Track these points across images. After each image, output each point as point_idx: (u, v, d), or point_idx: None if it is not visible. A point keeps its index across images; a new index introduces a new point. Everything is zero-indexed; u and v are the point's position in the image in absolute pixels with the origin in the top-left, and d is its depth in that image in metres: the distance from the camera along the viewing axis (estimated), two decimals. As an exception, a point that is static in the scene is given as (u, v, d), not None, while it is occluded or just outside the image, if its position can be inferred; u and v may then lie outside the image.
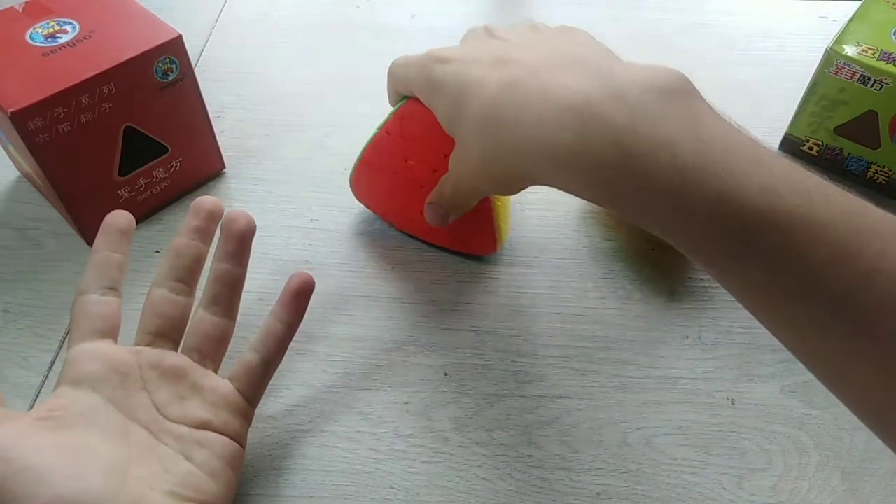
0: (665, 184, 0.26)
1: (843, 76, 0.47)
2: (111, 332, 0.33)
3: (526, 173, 0.32)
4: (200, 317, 0.36)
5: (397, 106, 0.41)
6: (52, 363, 0.41)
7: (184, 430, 0.32)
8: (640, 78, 0.29)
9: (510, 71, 0.31)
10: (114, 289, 0.34)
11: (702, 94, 0.29)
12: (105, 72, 0.41)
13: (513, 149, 0.31)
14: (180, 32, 0.43)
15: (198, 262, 0.36)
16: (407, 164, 0.42)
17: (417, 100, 0.39)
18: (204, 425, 0.33)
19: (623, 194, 0.28)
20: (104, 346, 0.33)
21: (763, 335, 0.42)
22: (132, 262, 0.46)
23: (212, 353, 0.35)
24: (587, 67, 0.30)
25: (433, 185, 0.40)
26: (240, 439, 0.34)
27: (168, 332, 0.35)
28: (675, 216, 0.27)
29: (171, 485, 0.30)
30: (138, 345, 0.34)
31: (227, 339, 0.36)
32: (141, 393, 0.32)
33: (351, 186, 0.47)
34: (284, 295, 0.37)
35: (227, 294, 0.36)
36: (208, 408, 0.33)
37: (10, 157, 0.50)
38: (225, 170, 0.52)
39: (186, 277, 0.36)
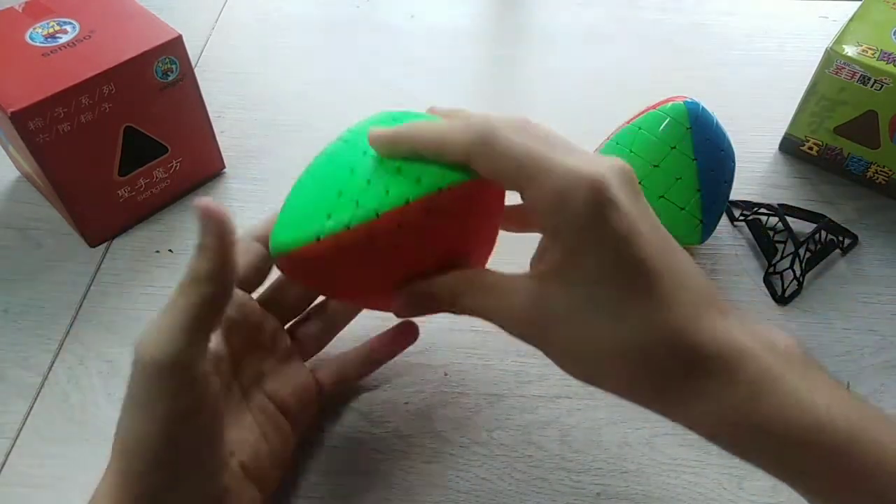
0: (826, 443, 0.25)
1: (843, 76, 0.47)
2: (244, 286, 0.34)
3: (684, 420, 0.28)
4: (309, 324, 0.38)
5: (419, 190, 0.27)
6: (52, 363, 0.41)
7: (271, 407, 0.34)
8: (778, 337, 0.27)
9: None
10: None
11: None
12: (105, 72, 0.41)
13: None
14: (180, 32, 0.43)
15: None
16: (405, 263, 0.30)
17: (472, 188, 0.28)
18: (286, 410, 0.34)
19: (769, 448, 0.26)
20: (240, 292, 0.34)
21: (763, 335, 0.42)
22: (131, 261, 0.46)
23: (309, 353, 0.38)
24: (730, 312, 0.27)
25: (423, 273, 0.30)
26: (295, 437, 0.35)
27: (287, 316, 0.37)
28: (826, 474, 0.25)
29: (246, 456, 0.31)
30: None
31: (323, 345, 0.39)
32: (255, 352, 0.34)
33: (281, 264, 0.32)
34: (385, 340, 0.39)
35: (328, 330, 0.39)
36: (296, 396, 0.35)
37: (10, 157, 0.50)
38: (225, 170, 0.52)
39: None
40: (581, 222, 0.26)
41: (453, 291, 0.30)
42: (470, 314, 0.30)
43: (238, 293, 0.33)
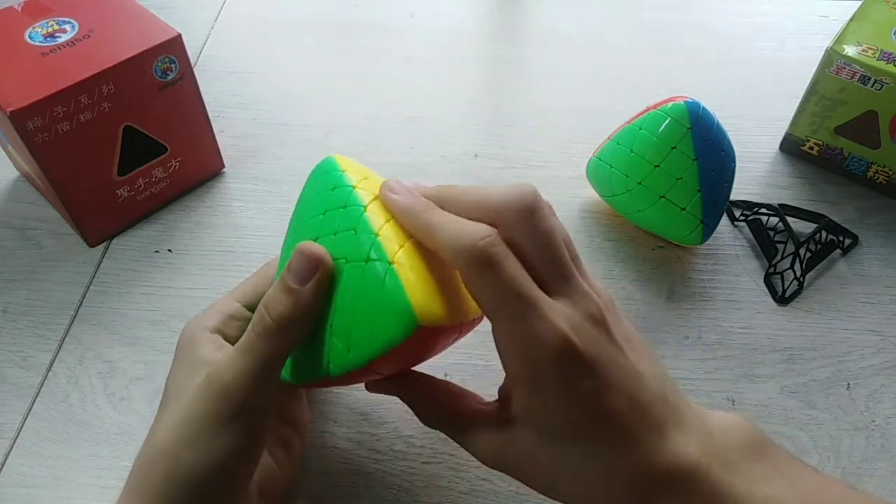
0: None
1: (843, 76, 0.47)
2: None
3: None
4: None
5: (388, 339, 0.26)
6: (52, 363, 0.41)
7: (287, 429, 0.34)
8: (730, 433, 0.28)
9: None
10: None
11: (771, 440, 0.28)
12: (104, 71, 0.41)
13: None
14: (179, 32, 0.43)
15: None
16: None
17: (434, 331, 0.27)
18: (290, 421, 0.34)
19: None
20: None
21: (763, 336, 0.42)
22: (130, 261, 0.46)
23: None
24: (684, 423, 0.28)
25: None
26: (304, 446, 0.36)
27: None
28: None
29: (259, 476, 0.31)
30: None
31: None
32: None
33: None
34: None
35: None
36: (299, 405, 0.35)
37: (10, 156, 0.50)
38: (224, 169, 0.52)
39: None
40: (548, 380, 0.26)
41: (429, 421, 0.31)
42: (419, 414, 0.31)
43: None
